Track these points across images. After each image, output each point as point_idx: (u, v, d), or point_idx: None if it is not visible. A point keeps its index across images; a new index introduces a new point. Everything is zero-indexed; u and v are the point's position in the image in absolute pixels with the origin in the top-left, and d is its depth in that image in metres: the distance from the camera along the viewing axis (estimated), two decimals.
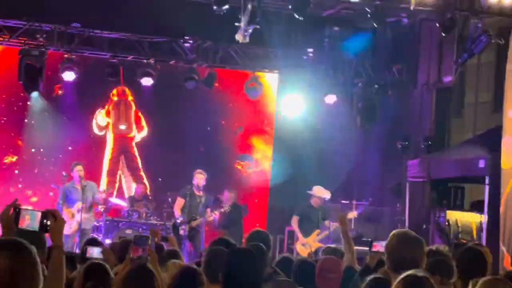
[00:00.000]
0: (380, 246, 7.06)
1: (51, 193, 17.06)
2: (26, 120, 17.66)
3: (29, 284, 2.69)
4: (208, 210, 15.09)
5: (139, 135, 18.37)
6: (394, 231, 5.05)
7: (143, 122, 18.37)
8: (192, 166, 15.96)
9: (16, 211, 4.14)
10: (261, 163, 19.28)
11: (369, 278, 5.54)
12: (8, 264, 2.63)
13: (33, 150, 17.75)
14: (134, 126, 18.30)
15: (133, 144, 18.43)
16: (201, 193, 15.02)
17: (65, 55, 16.05)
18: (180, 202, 15.11)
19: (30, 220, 4.16)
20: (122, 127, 18.17)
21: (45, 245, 4.93)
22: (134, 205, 16.58)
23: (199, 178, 15.11)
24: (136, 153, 18.41)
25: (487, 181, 15.19)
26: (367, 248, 12.87)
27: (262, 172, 19.26)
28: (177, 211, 15.06)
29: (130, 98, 18.22)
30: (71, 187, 15.10)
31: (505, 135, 13.93)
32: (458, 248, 8.21)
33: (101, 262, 6.26)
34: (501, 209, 13.87)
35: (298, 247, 14.91)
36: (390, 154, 18.18)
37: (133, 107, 18.25)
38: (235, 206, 15.74)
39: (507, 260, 13.54)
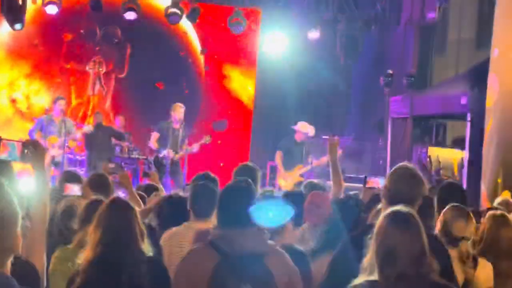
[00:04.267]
0: (374, 182, 7.09)
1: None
2: None
3: (13, 221, 2.68)
4: (186, 141, 14.99)
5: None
6: (396, 166, 4.97)
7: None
8: (172, 100, 15.89)
9: None
10: (240, 96, 19.29)
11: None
12: None
13: None
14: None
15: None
16: (179, 126, 14.92)
17: None
18: (155, 135, 14.96)
19: (10, 151, 4.15)
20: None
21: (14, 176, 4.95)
22: (125, 137, 16.47)
23: (178, 111, 14.97)
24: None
25: (468, 118, 15.25)
26: (350, 184, 13.00)
27: (245, 108, 19.26)
28: (153, 144, 14.92)
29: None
30: (49, 119, 14.89)
31: (490, 74, 13.93)
32: (439, 184, 8.27)
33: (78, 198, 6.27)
34: (484, 147, 13.95)
35: (280, 181, 14.96)
36: (372, 90, 18.21)
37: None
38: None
39: (484, 197, 13.64)
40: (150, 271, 4.75)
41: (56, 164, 14.25)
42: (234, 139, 18.91)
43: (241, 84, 19.35)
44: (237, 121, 19.23)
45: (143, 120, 17.85)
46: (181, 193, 7.18)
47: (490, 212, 6.23)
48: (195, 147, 14.80)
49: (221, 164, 17.86)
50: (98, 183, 6.97)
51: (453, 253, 5.35)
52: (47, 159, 14.27)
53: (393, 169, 4.99)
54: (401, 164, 4.98)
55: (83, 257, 4.79)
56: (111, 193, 6.78)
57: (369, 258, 3.95)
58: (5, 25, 15.63)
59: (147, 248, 4.87)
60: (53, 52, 18.21)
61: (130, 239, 4.78)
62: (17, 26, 15.53)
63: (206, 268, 4.43)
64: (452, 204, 5.74)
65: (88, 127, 15.16)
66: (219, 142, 17.42)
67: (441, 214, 5.75)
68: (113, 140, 16.21)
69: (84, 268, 4.73)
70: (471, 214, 5.74)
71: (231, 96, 19.30)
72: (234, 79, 19.32)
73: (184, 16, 16.48)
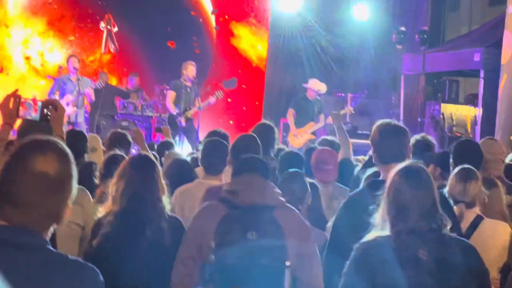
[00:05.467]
0: None
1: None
2: None
3: (70, 190, 2.73)
4: (199, 99, 15.02)
5: None
6: (376, 123, 4.99)
7: None
8: (183, 59, 15.89)
9: (17, 101, 4.16)
10: (250, 56, 19.27)
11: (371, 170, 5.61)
12: (60, 168, 2.67)
13: None
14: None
15: None
16: (192, 84, 14.93)
17: None
18: (171, 95, 15.00)
19: (27, 111, 4.20)
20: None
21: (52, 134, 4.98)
22: (129, 96, 16.55)
23: (190, 69, 14.97)
24: None
25: (481, 74, 15.21)
26: (362, 141, 13.04)
27: (255, 67, 19.26)
28: (170, 105, 14.97)
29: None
30: (66, 78, 14.97)
31: (505, 31, 13.86)
32: (453, 141, 8.29)
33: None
34: (498, 103, 13.94)
35: (290, 138, 14.99)
36: (385, 47, 18.13)
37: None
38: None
39: None
40: (170, 227, 4.81)
41: (71, 123, 14.28)
42: (244, 98, 18.91)
43: (251, 44, 19.29)
44: (247, 80, 19.21)
45: (156, 78, 17.87)
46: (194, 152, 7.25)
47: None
48: (212, 100, 14.81)
49: (231, 122, 17.92)
50: (119, 139, 7.04)
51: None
52: (64, 119, 14.29)
53: (374, 126, 4.99)
54: (379, 122, 4.98)
55: (106, 208, 4.88)
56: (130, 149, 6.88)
57: (381, 214, 3.99)
58: None
59: (166, 204, 4.95)
60: (67, 10, 18.18)
61: (152, 193, 4.85)
62: None
63: (214, 221, 4.51)
64: (461, 166, 5.72)
65: (99, 82, 15.17)
66: (229, 100, 17.40)
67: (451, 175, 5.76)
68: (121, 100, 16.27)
69: (108, 219, 4.82)
70: (478, 175, 5.70)
71: (240, 55, 19.26)
72: (244, 39, 19.26)
73: None
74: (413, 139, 6.11)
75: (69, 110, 14.35)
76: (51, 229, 2.76)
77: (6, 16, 17.74)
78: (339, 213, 4.94)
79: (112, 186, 4.92)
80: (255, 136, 6.35)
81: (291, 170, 6.20)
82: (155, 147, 9.45)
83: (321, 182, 7.21)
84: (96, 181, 5.78)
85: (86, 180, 5.64)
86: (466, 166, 5.66)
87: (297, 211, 4.74)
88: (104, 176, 5.65)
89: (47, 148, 2.71)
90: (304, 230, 4.63)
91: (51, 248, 2.71)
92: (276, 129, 7.57)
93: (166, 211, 4.90)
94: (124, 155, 5.94)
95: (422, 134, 6.97)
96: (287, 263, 4.48)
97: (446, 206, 4.55)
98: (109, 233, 4.78)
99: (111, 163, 5.61)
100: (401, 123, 5.06)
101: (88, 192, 5.44)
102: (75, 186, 2.74)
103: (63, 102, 14.23)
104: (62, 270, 2.67)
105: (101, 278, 2.74)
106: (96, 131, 14.32)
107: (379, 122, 4.94)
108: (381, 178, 4.77)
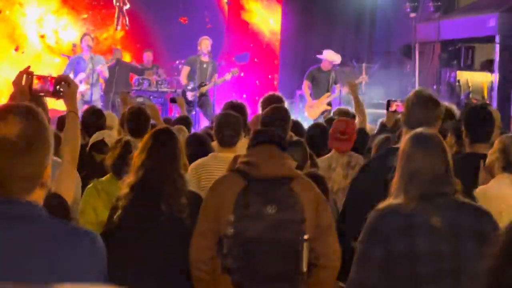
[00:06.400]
0: (397, 106, 7.10)
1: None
2: None
3: (42, 149, 2.69)
4: (216, 75, 15.05)
5: None
6: (414, 89, 5.06)
7: None
8: (195, 35, 15.89)
9: (29, 78, 4.17)
10: (262, 30, 19.25)
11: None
12: (21, 129, 2.64)
13: None
14: None
15: None
16: (207, 59, 14.96)
17: None
18: (185, 69, 15.04)
19: (47, 84, 4.21)
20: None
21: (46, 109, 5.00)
22: (144, 73, 16.59)
23: (205, 44, 14.99)
24: None
25: (497, 39, 15.11)
26: (378, 111, 13.02)
27: (268, 41, 19.25)
28: (183, 79, 15.01)
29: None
30: (79, 57, 15.02)
31: None
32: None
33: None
34: None
35: (307, 109, 15.01)
36: (398, 16, 18.03)
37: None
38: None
39: None
40: (189, 203, 4.79)
41: (86, 102, 14.31)
42: (257, 72, 18.89)
43: (262, 18, 19.24)
44: (259, 54, 19.15)
45: (169, 54, 17.88)
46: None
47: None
48: (228, 76, 14.84)
49: (244, 96, 17.95)
50: (136, 116, 7.05)
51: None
52: (78, 96, 14.30)
53: (411, 92, 5.05)
54: (417, 88, 5.04)
55: (126, 183, 4.87)
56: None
57: (395, 182, 4.00)
58: None
59: (187, 181, 4.95)
60: None
61: (173, 167, 4.84)
62: None
63: (232, 193, 4.49)
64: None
65: (111, 60, 15.20)
66: (242, 74, 17.39)
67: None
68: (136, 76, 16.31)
69: (125, 192, 4.83)
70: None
71: (252, 30, 19.22)
72: (255, 13, 19.21)
73: None
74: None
75: (82, 87, 14.36)
76: (42, 193, 2.72)
77: None
78: (353, 181, 4.97)
79: (134, 159, 4.92)
80: (286, 108, 6.47)
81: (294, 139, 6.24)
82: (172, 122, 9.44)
83: (337, 151, 7.25)
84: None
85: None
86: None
87: (313, 183, 4.72)
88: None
89: (8, 113, 2.67)
90: (321, 201, 4.61)
91: (46, 216, 2.68)
92: (284, 100, 7.61)
93: (187, 187, 4.89)
94: None
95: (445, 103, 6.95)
96: (306, 237, 4.47)
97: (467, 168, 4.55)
98: (127, 205, 4.79)
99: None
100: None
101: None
102: (48, 143, 2.72)
103: (76, 80, 14.26)
104: (61, 240, 2.64)
105: (102, 245, 2.70)
106: (111, 109, 14.35)
107: (418, 88, 5.01)
108: (399, 144, 4.80)
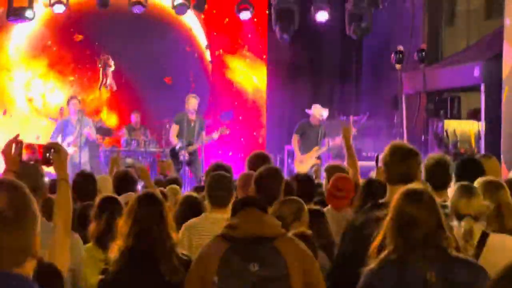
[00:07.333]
0: None
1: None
2: None
3: (30, 219, 2.70)
4: (204, 133, 15.08)
5: None
6: (388, 144, 5.05)
7: None
8: (180, 94, 15.98)
9: (19, 147, 4.15)
10: (245, 88, 19.34)
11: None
12: (8, 201, 2.64)
13: None
14: None
15: None
16: (195, 117, 15.02)
17: None
18: (175, 129, 15.10)
19: (35, 154, 4.19)
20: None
21: (43, 176, 5.00)
22: (132, 134, 16.60)
23: (192, 102, 15.07)
24: None
25: (482, 88, 15.21)
26: (367, 163, 13.02)
27: (251, 99, 19.33)
28: (173, 139, 15.06)
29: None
30: (66, 120, 15.08)
31: (504, 43, 13.90)
32: (458, 157, 8.26)
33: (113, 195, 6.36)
34: (503, 117, 13.95)
35: (296, 164, 15.03)
36: (384, 67, 18.15)
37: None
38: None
39: (504, 168, 13.60)
40: (183, 264, 4.82)
41: (74, 164, 14.30)
42: (242, 129, 18.91)
43: (246, 76, 19.33)
44: (244, 111, 19.21)
45: (155, 114, 17.91)
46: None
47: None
48: (215, 135, 14.90)
49: (230, 153, 18.00)
50: (123, 179, 7.04)
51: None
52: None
53: (386, 147, 5.02)
54: (390, 144, 5.03)
55: (115, 248, 4.88)
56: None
57: (380, 237, 3.98)
58: (19, 28, 15.70)
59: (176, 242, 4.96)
60: (66, 52, 18.30)
61: (161, 230, 4.86)
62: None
63: (216, 257, 4.50)
64: (461, 183, 5.67)
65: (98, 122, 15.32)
66: (227, 132, 17.47)
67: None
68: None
69: (116, 258, 4.84)
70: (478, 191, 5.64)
71: (237, 88, 19.31)
72: (239, 71, 19.30)
73: (191, 6, 16.40)
74: (431, 158, 6.09)
75: (71, 150, 14.37)
76: (32, 264, 2.72)
77: (8, 61, 17.91)
78: (341, 239, 4.98)
79: (121, 225, 4.93)
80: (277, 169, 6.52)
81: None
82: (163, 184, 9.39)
83: (332, 207, 7.26)
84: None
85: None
86: (467, 183, 5.62)
87: (300, 241, 4.72)
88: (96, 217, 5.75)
89: None
90: (307, 258, 4.61)
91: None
92: (270, 158, 7.60)
93: (177, 249, 4.92)
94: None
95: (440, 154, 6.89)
96: None
97: None
98: (118, 271, 4.80)
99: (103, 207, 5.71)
100: (411, 145, 5.08)
101: (75, 233, 5.40)
102: (35, 214, 2.72)
103: (64, 144, 14.25)
104: None
105: None
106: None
107: (392, 143, 4.99)
108: (385, 199, 4.78)
